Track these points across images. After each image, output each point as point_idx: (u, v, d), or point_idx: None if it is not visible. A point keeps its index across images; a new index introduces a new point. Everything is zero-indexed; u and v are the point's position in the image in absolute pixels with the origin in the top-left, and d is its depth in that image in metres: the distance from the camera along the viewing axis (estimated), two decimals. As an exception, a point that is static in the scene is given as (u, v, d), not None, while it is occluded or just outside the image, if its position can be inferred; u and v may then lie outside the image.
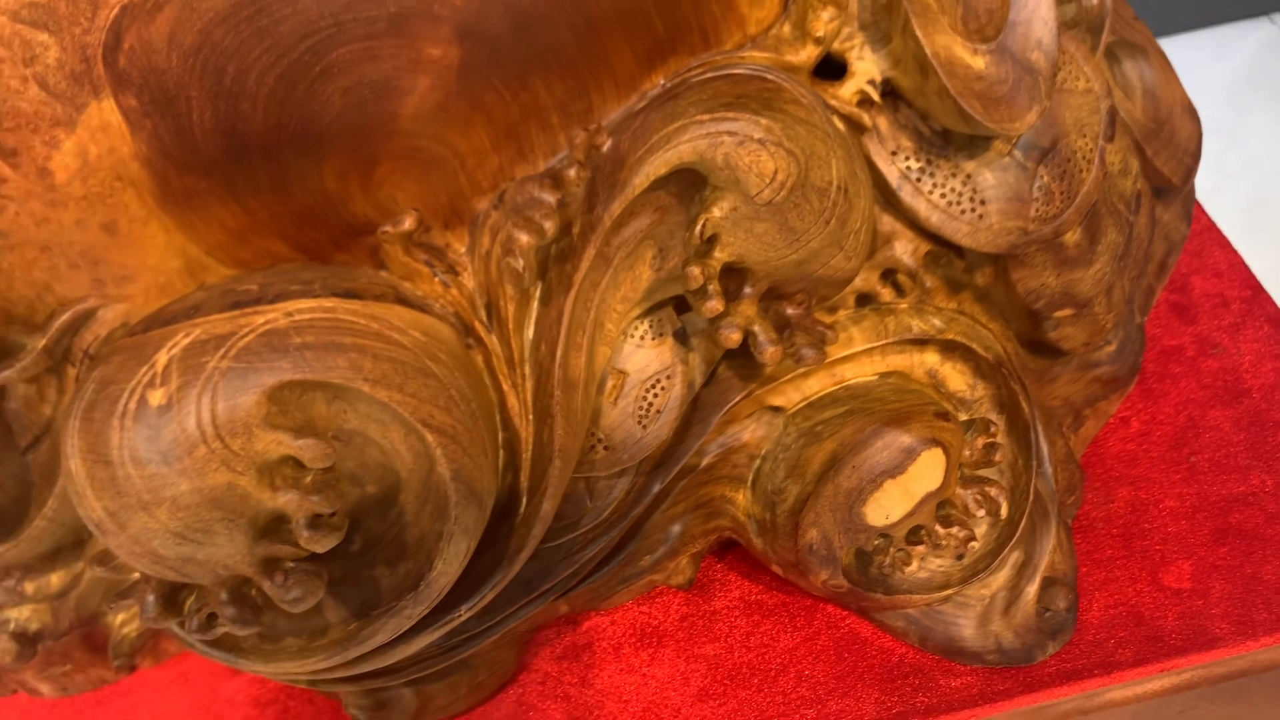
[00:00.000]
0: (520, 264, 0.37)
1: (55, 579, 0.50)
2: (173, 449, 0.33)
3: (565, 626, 0.61)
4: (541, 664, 0.59)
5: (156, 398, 0.33)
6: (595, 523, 0.47)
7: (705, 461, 0.50)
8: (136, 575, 0.39)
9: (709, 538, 0.55)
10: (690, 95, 0.37)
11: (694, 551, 0.54)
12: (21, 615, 0.50)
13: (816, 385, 0.50)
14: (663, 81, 0.41)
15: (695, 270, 0.38)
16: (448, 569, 0.39)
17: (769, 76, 0.38)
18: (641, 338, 0.44)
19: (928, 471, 0.46)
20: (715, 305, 0.39)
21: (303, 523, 0.35)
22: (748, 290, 0.40)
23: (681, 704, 0.56)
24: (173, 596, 0.37)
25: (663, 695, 0.57)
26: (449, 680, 0.53)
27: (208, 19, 0.34)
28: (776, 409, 0.51)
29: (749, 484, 0.53)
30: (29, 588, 0.50)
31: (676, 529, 0.52)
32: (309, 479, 0.35)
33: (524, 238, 0.37)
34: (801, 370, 0.49)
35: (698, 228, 0.38)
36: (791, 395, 0.50)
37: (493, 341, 0.40)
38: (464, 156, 0.39)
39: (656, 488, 0.47)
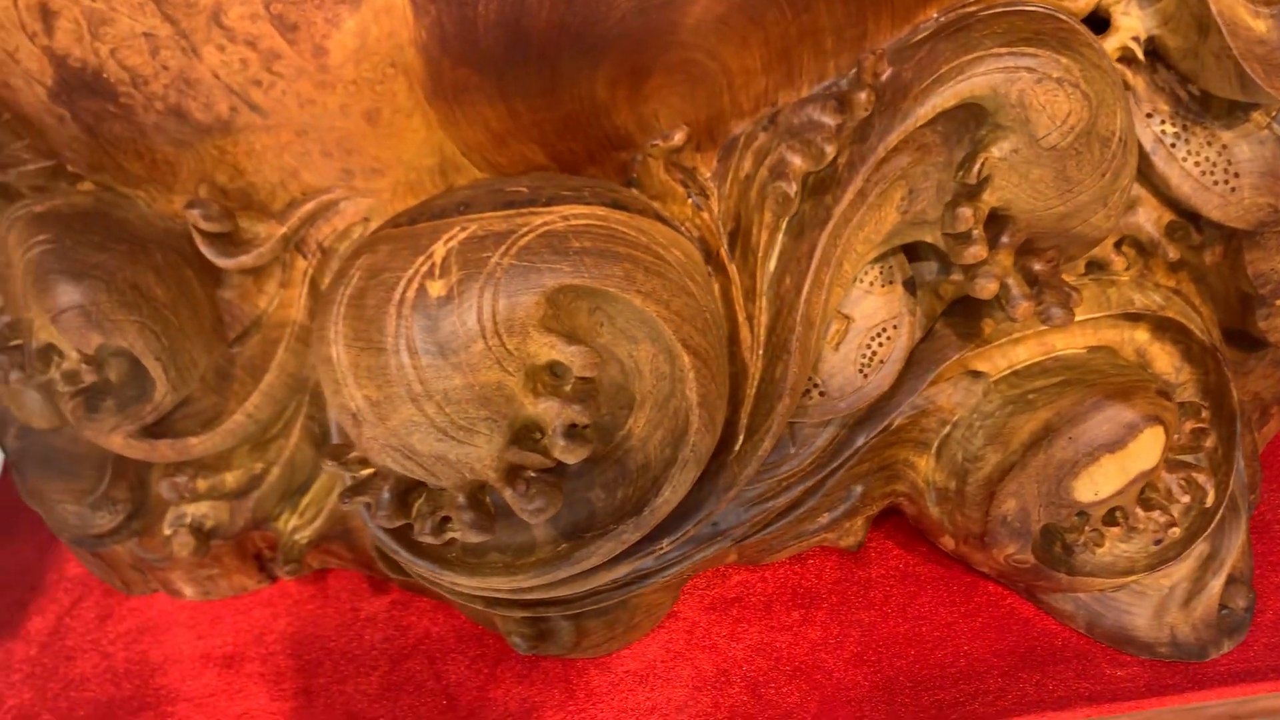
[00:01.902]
0: (793, 188, 0.35)
1: (230, 478, 0.50)
2: (450, 341, 0.32)
3: (714, 578, 0.60)
4: (689, 613, 0.58)
5: (437, 288, 0.32)
6: (793, 471, 0.46)
7: (896, 422, 0.49)
8: (366, 472, 0.38)
9: (883, 502, 0.53)
10: (983, 28, 0.36)
11: (868, 514, 0.53)
12: (199, 511, 0.50)
13: (1025, 353, 0.48)
14: (935, 15, 0.39)
15: (967, 211, 0.36)
16: (674, 497, 0.38)
17: (1063, 16, 0.36)
18: (870, 283, 0.42)
19: (1146, 449, 0.45)
20: (979, 251, 0.37)
21: (559, 430, 0.34)
22: (1005, 240, 0.39)
23: (834, 667, 0.55)
24: (404, 497, 0.37)
25: (815, 657, 0.56)
26: (607, 618, 0.53)
27: (512, -95, 0.33)
28: (977, 374, 0.49)
29: (933, 450, 0.51)
30: (201, 485, 0.50)
31: (859, 489, 0.51)
32: (569, 387, 0.34)
33: (797, 161, 0.35)
34: (1013, 336, 0.47)
35: (976, 166, 0.36)
36: (998, 361, 0.48)
37: (733, 271, 0.39)
38: (733, 75, 0.37)
39: (860, 441, 0.45)
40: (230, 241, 0.39)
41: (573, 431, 0.34)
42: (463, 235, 0.33)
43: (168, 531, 0.49)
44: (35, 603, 0.63)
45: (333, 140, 0.37)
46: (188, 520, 0.49)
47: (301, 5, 0.34)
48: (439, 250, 0.33)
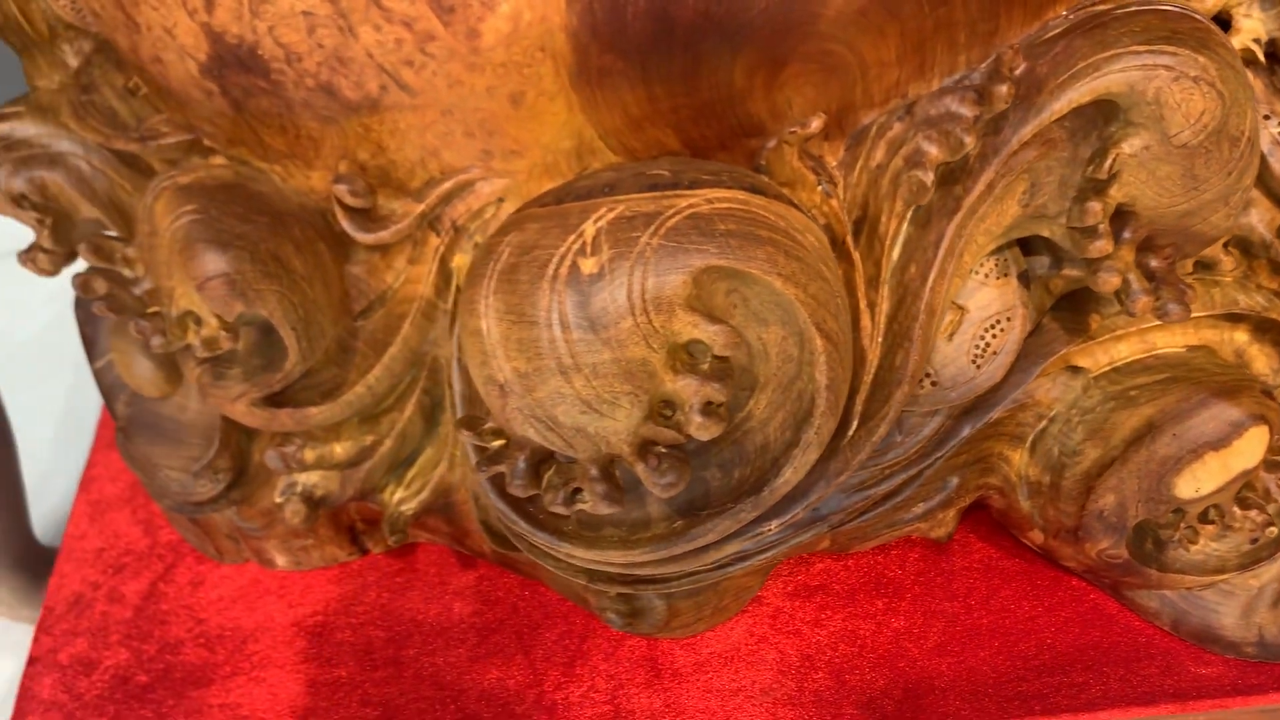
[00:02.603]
0: (929, 177, 0.36)
1: (339, 449, 0.51)
2: (601, 317, 0.33)
3: (797, 565, 0.60)
4: (772, 598, 0.59)
5: (588, 265, 0.33)
6: (896, 459, 0.46)
7: (994, 415, 0.49)
8: (498, 443, 0.39)
9: (975, 494, 0.54)
10: (1120, 25, 0.36)
11: (960, 506, 0.54)
12: (310, 480, 0.51)
13: (1126, 350, 0.49)
14: (1065, 12, 0.40)
15: (1096, 206, 0.37)
16: (794, 478, 0.39)
17: (1198, 16, 0.37)
18: (986, 275, 0.43)
19: (1250, 448, 0.45)
20: (1104, 245, 0.38)
21: (695, 407, 0.35)
22: (1127, 235, 0.39)
23: (919, 656, 0.56)
24: (537, 469, 0.38)
25: (900, 646, 0.56)
26: (698, 599, 0.54)
27: (669, -105, 0.34)
28: (1076, 369, 0.50)
29: (1028, 444, 0.52)
30: (309, 455, 0.52)
31: (955, 480, 0.51)
32: (705, 365, 0.35)
33: (934, 151, 0.36)
34: (1116, 333, 0.48)
35: (1107, 161, 0.37)
36: (1099, 357, 0.49)
37: (857, 258, 0.40)
38: (867, 66, 0.38)
39: (966, 431, 0.46)
40: (369, 217, 0.41)
41: (709, 409, 0.35)
42: (611, 215, 0.34)
43: (279, 499, 0.51)
44: (130, 567, 0.65)
45: (476, 121, 0.38)
46: (299, 489, 0.50)
47: (457, -9, 0.35)
48: (589, 229, 0.34)
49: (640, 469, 0.36)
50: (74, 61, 0.48)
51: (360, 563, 0.64)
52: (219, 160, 0.45)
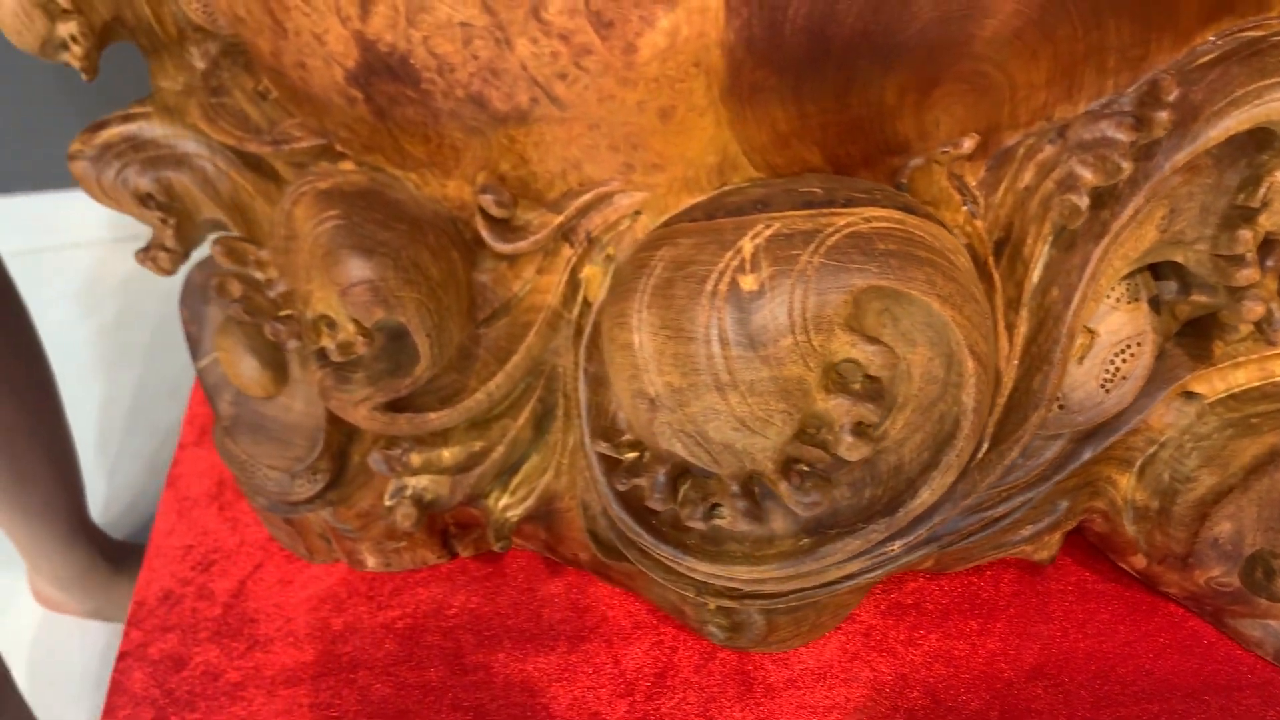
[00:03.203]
0: (1084, 201, 0.36)
1: (448, 454, 0.52)
2: (761, 334, 0.33)
3: (891, 584, 0.60)
4: (865, 616, 0.59)
5: (748, 282, 0.33)
6: (1016, 482, 0.46)
7: (1114, 439, 0.49)
8: (631, 455, 0.39)
9: (1080, 517, 0.54)
10: (1276, 56, 0.36)
11: (1066, 529, 0.53)
12: (420, 484, 0.51)
13: (1244, 377, 0.48)
14: (1213, 38, 0.39)
15: (1247, 234, 0.37)
16: (930, 499, 0.39)
17: (1357, 47, 0.36)
18: (1117, 299, 0.43)
19: (1378, 480, 0.45)
20: (1252, 274, 0.37)
21: (847, 427, 0.35)
22: (1270, 264, 0.39)
23: (1015, 678, 0.56)
24: (675, 482, 0.38)
25: (995, 667, 0.56)
26: (797, 615, 0.53)
27: (836, -86, 0.34)
28: (1190, 395, 0.49)
29: (1136, 468, 0.52)
30: (415, 459, 0.52)
31: (1064, 504, 0.51)
32: (858, 385, 0.35)
33: (1089, 175, 0.36)
34: (1235, 360, 0.47)
35: (1260, 190, 0.37)
36: (1215, 384, 0.49)
37: (998, 280, 0.40)
38: (1016, 88, 0.38)
39: (1086, 455, 0.46)
40: (508, 228, 0.41)
41: (859, 429, 0.35)
42: (768, 232, 0.34)
43: (389, 502, 0.51)
44: (219, 565, 0.66)
45: (621, 135, 0.38)
46: (409, 492, 0.50)
47: (621, 3, 0.35)
48: (747, 246, 0.34)
49: (783, 487, 0.36)
50: (200, 63, 0.48)
51: (448, 566, 0.64)
52: (349, 165, 0.45)
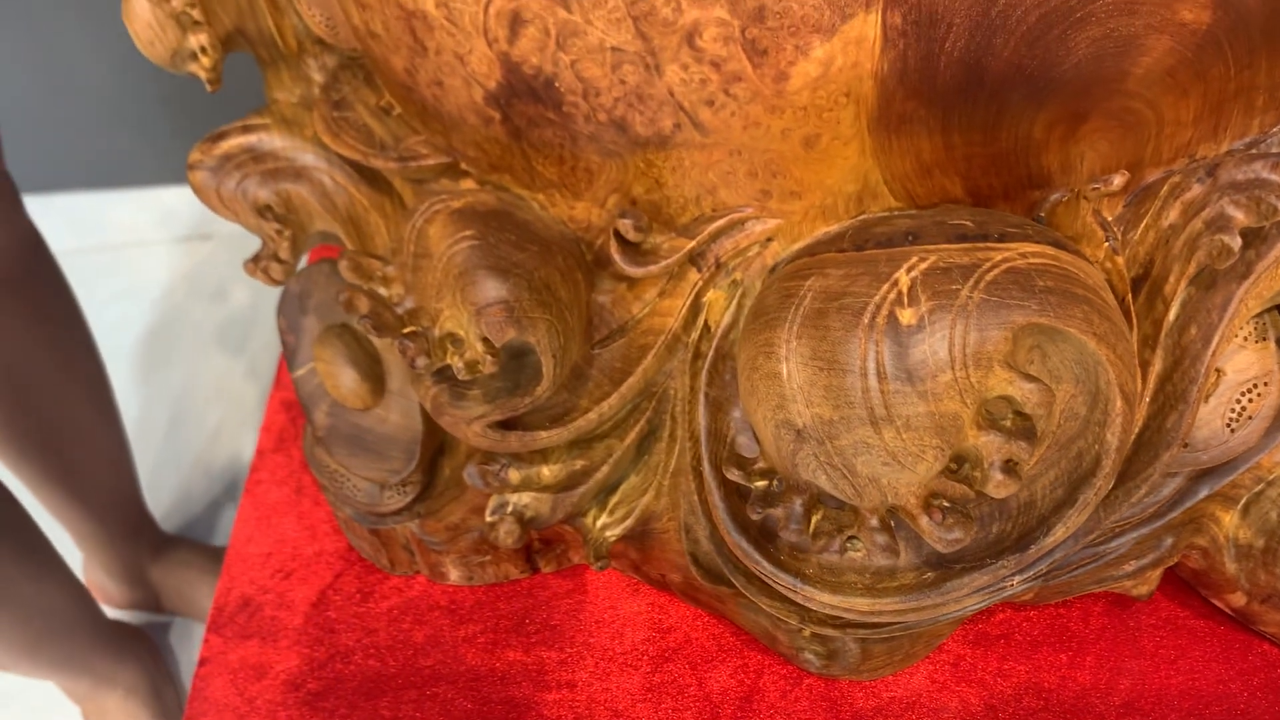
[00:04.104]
0: (1236, 242, 0.36)
1: (547, 471, 0.51)
2: (919, 369, 0.33)
3: (979, 614, 0.60)
4: (953, 646, 0.59)
5: (907, 316, 0.33)
6: (1131, 517, 0.46)
7: (1232, 478, 0.48)
8: (761, 484, 0.39)
9: (1180, 553, 0.53)
10: None
11: (1168, 565, 0.53)
12: (522, 501, 0.51)
13: (1361, 418, 0.48)
14: (1361, 79, 0.39)
15: (1396, 280, 0.36)
16: (1063, 536, 0.38)
17: None
18: (1245, 338, 0.42)
19: None
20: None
21: (997, 465, 0.34)
22: None
23: (1105, 712, 0.55)
24: (809, 512, 0.38)
25: (1085, 701, 0.56)
26: (892, 644, 0.53)
27: (1000, -50, 0.34)
28: (1303, 434, 0.49)
29: (1240, 506, 0.51)
30: (514, 475, 0.52)
31: (1169, 540, 0.50)
32: (1009, 422, 0.35)
33: (1240, 216, 0.36)
34: (1353, 399, 0.47)
35: None
36: (1330, 423, 0.48)
37: (1134, 317, 0.39)
38: (1164, 125, 0.38)
39: (1203, 493, 0.45)
40: (639, 251, 0.41)
41: (1009, 466, 0.34)
42: (924, 265, 0.34)
43: (490, 519, 0.51)
44: (298, 574, 0.66)
45: (762, 161, 0.38)
46: (510, 509, 0.50)
47: (777, 32, 0.35)
48: (903, 279, 0.33)
49: (924, 522, 0.36)
50: (318, 76, 0.49)
51: (528, 581, 0.64)
52: (470, 184, 0.45)
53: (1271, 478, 0.50)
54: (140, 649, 1.03)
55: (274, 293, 1.38)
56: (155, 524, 1.08)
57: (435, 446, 0.57)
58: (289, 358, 0.57)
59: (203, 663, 0.62)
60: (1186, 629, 0.58)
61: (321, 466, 0.59)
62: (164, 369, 1.32)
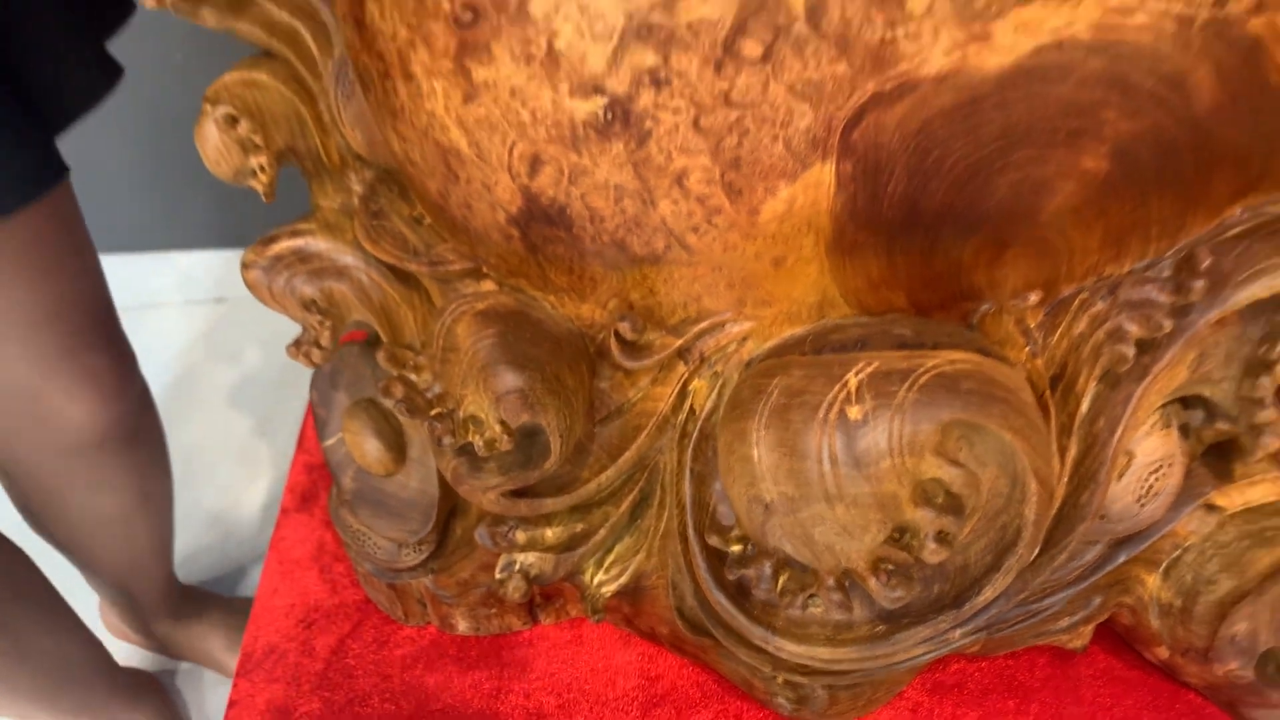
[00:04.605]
0: (1131, 351, 0.43)
1: (550, 533, 0.58)
2: (864, 456, 0.40)
3: (936, 664, 0.66)
4: (911, 693, 0.65)
5: (854, 412, 0.40)
6: (1060, 579, 0.53)
7: (1146, 545, 0.56)
8: (736, 549, 0.46)
9: (1111, 610, 0.60)
10: (1296, 235, 0.43)
11: (1098, 620, 0.60)
12: (528, 560, 0.58)
13: (1260, 494, 0.55)
14: (1239, 212, 0.47)
15: (1266, 382, 0.44)
16: (992, 595, 0.45)
17: (1361, 229, 0.44)
18: (1152, 426, 0.50)
19: (1377, 591, 0.51)
20: (1270, 415, 0.44)
21: (930, 535, 0.41)
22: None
23: (1049, 755, 0.61)
24: (777, 574, 0.44)
25: (1031, 745, 0.62)
26: (856, 690, 0.60)
27: (932, 112, 0.42)
28: (1212, 507, 0.56)
29: (1162, 569, 0.58)
30: (520, 537, 0.58)
31: (1098, 599, 0.57)
32: (941, 499, 0.42)
33: (1135, 329, 0.43)
34: (1253, 478, 0.54)
35: (1279, 347, 0.44)
36: (1234, 498, 0.55)
37: (1052, 410, 0.47)
38: (1074, 251, 0.45)
39: (1121, 559, 0.52)
40: (635, 347, 0.48)
41: (941, 536, 0.42)
42: (869, 369, 0.41)
43: (500, 576, 0.57)
44: (319, 624, 0.72)
45: (739, 276, 0.45)
46: (518, 567, 0.57)
47: (749, 176, 0.43)
48: (852, 380, 0.41)
49: (872, 583, 0.43)
50: (358, 187, 0.56)
51: (530, 633, 0.70)
52: (490, 285, 0.52)
53: (1187, 544, 0.57)
54: (153, 695, 1.09)
55: (285, 357, 1.45)
56: (176, 582, 1.14)
57: (449, 509, 0.64)
58: (320, 428, 0.64)
59: (232, 705, 0.68)
60: (1121, 679, 0.65)
61: (346, 526, 0.66)
62: (181, 426, 1.39)
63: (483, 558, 0.64)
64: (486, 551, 0.64)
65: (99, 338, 0.81)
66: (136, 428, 0.90)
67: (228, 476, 1.36)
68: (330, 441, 0.63)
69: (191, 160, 1.43)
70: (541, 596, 0.67)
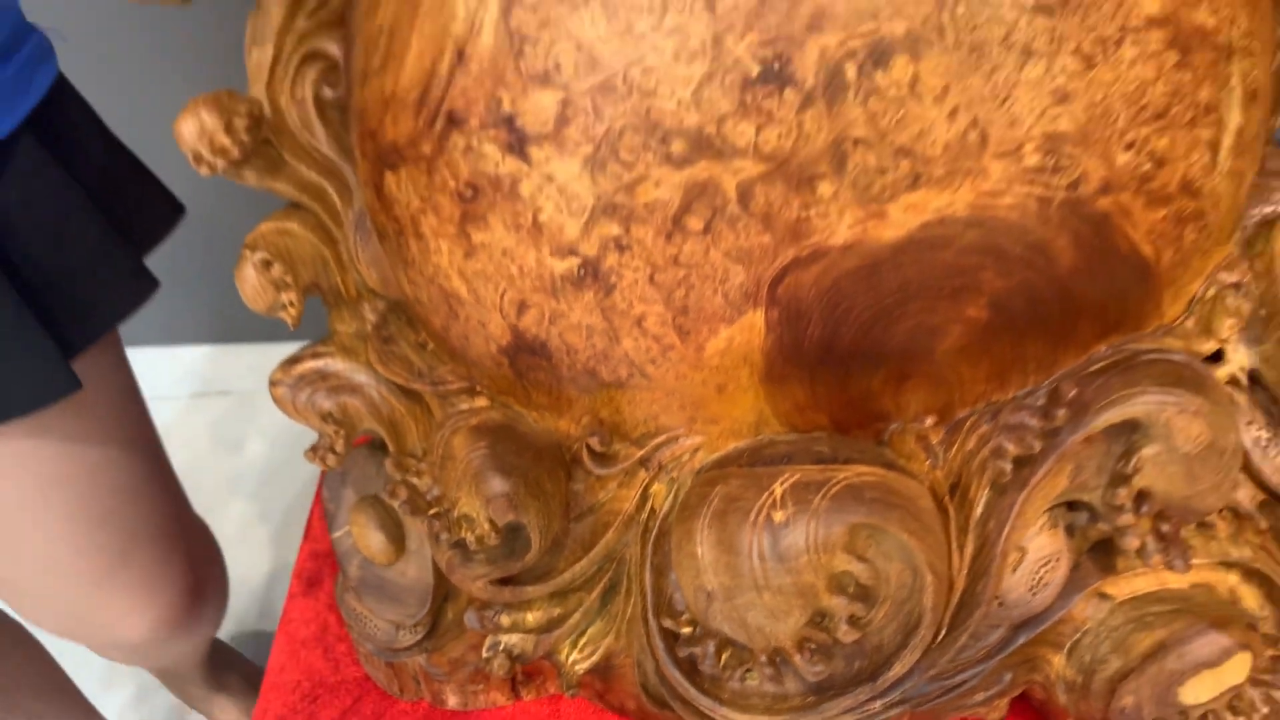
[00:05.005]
0: (1008, 467, 0.53)
1: (530, 617, 0.67)
2: (786, 553, 0.49)
3: (875, 736, 0.74)
4: (853, 763, 0.73)
5: (779, 516, 0.49)
6: (969, 658, 0.61)
7: (1042, 629, 0.64)
8: (686, 630, 0.55)
9: (1024, 686, 0.69)
10: (1143, 370, 0.53)
11: (1011, 695, 0.68)
12: (511, 641, 0.66)
13: (1143, 584, 0.64)
14: (1104, 349, 0.57)
15: (1123, 491, 0.53)
16: (901, 670, 0.54)
17: (1197, 365, 0.54)
18: (1040, 526, 0.59)
19: (1237, 669, 0.60)
20: (1129, 519, 0.54)
21: (843, 618, 0.50)
22: (1145, 510, 0.55)
23: (973, 819, 0.69)
24: (720, 652, 0.53)
25: (957, 808, 0.70)
26: (799, 759, 0.68)
27: (841, 273, 0.52)
28: (1105, 596, 0.65)
29: (1066, 650, 0.67)
30: (505, 620, 0.67)
31: (1009, 676, 0.66)
32: (852, 589, 0.51)
33: (1012, 448, 0.53)
34: (1136, 571, 0.63)
35: (1132, 461, 0.53)
36: (1122, 587, 0.64)
37: (951, 513, 0.56)
38: (964, 382, 0.55)
39: (1020, 640, 0.61)
40: (604, 457, 0.57)
41: (853, 619, 0.50)
42: (792, 480, 0.50)
43: (486, 655, 0.66)
44: (322, 699, 0.80)
45: (690, 399, 0.55)
46: (502, 647, 0.65)
47: (696, 321, 0.52)
48: (778, 489, 0.50)
49: (797, 659, 0.51)
50: (371, 316, 0.66)
51: (513, 707, 0.78)
52: (483, 402, 0.62)
53: (1085, 628, 0.66)
54: None
55: (286, 446, 1.54)
56: (209, 652, 1.22)
57: (442, 595, 0.73)
58: (329, 521, 0.73)
59: (242, 772, 0.76)
60: (1037, 750, 0.73)
61: (350, 610, 0.74)
62: (185, 513, 1.47)
63: (471, 639, 0.72)
64: (475, 633, 0.72)
65: (156, 535, 0.84)
66: (202, 602, 0.95)
67: (231, 559, 1.44)
68: (338, 534, 0.72)
69: (195, 260, 1.53)
70: (523, 674, 0.75)
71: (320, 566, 0.90)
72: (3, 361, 0.67)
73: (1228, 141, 0.55)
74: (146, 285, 0.83)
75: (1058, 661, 0.67)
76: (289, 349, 0.68)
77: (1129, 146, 0.51)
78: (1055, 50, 0.49)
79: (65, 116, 0.77)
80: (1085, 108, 0.50)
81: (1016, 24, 0.48)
